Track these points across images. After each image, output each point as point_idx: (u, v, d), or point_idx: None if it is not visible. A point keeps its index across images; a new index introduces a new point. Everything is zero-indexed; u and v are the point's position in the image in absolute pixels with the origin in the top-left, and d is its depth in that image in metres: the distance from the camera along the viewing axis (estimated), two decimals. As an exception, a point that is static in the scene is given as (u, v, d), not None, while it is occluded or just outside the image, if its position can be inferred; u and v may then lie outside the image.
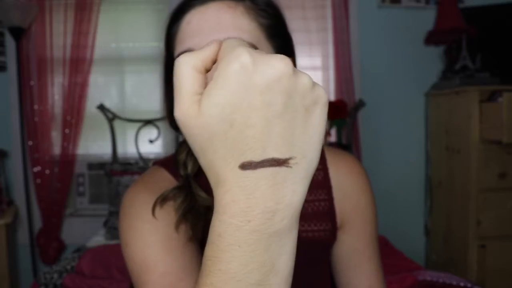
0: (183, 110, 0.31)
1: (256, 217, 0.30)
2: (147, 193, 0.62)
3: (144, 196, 0.62)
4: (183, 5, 0.58)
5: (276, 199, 0.30)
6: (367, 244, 0.71)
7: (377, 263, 0.72)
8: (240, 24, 0.55)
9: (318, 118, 0.32)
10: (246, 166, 0.30)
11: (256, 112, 0.30)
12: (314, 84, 0.32)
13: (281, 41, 0.61)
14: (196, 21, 0.55)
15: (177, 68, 0.32)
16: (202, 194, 0.60)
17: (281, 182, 0.30)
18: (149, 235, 0.59)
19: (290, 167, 0.31)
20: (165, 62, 0.63)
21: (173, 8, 0.60)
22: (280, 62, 0.30)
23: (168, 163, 0.69)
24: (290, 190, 0.31)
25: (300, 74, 0.31)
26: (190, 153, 0.63)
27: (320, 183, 0.70)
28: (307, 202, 0.69)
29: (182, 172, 0.63)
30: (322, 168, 0.71)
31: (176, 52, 0.57)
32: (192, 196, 0.61)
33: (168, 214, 0.60)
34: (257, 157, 0.30)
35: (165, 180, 0.65)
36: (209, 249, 0.32)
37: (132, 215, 0.61)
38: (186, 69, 0.32)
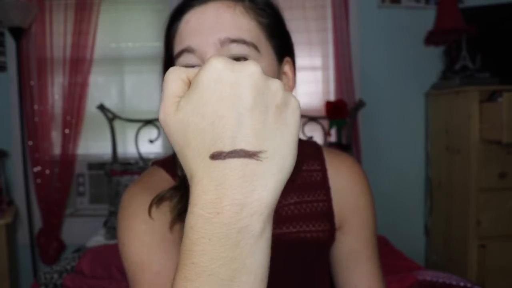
0: (165, 109, 0.33)
1: (224, 209, 0.30)
2: (145, 193, 0.63)
3: (141, 196, 0.62)
4: (182, 5, 0.58)
5: (245, 192, 0.31)
6: (365, 244, 0.71)
7: (376, 264, 0.72)
8: (240, 23, 0.55)
9: (291, 119, 0.33)
10: (215, 156, 0.31)
11: (226, 104, 0.31)
12: (284, 90, 0.34)
13: (280, 41, 0.61)
14: (195, 20, 0.55)
15: (166, 76, 0.34)
16: None
17: (250, 175, 0.31)
18: (145, 235, 0.60)
19: (261, 160, 0.31)
20: (164, 61, 0.63)
21: (173, 8, 0.60)
22: (251, 63, 0.32)
23: (166, 163, 0.69)
24: (260, 184, 0.31)
25: (272, 78, 0.33)
26: None
27: (318, 184, 0.71)
28: (305, 202, 0.69)
29: (179, 173, 0.64)
30: (320, 169, 0.72)
31: (175, 51, 0.57)
32: (187, 197, 0.62)
33: (164, 214, 0.61)
34: (227, 147, 0.31)
35: (163, 180, 0.65)
36: (184, 243, 0.32)
37: (129, 215, 0.62)
38: (173, 76, 0.34)
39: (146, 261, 0.59)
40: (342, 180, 0.71)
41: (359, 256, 0.71)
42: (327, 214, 0.70)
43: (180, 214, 0.60)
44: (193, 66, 0.54)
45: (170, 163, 0.69)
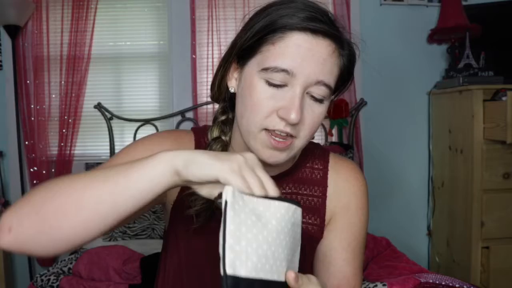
0: None
1: None
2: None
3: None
4: (292, 19, 0.59)
5: None
6: (346, 245, 0.71)
7: (353, 269, 0.71)
8: (333, 70, 0.61)
9: None
10: None
11: None
12: None
13: (342, 84, 0.68)
14: (305, 50, 0.58)
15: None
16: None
17: None
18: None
19: None
20: (238, 42, 0.64)
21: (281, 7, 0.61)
22: None
23: (200, 131, 0.75)
24: None
25: None
26: (223, 150, 0.71)
27: (317, 181, 0.74)
28: (301, 195, 0.73)
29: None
30: (322, 169, 0.75)
31: (271, 62, 0.59)
32: (212, 207, 0.66)
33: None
34: None
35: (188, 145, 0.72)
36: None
37: (146, 146, 0.68)
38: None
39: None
40: (340, 181, 0.74)
41: (337, 254, 0.71)
42: (319, 210, 0.73)
43: (198, 211, 0.64)
44: (277, 85, 0.59)
45: (203, 133, 0.74)
